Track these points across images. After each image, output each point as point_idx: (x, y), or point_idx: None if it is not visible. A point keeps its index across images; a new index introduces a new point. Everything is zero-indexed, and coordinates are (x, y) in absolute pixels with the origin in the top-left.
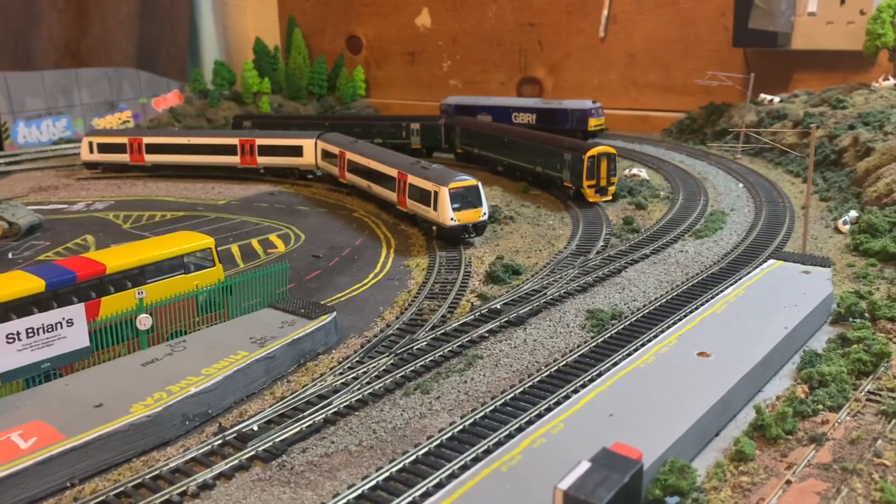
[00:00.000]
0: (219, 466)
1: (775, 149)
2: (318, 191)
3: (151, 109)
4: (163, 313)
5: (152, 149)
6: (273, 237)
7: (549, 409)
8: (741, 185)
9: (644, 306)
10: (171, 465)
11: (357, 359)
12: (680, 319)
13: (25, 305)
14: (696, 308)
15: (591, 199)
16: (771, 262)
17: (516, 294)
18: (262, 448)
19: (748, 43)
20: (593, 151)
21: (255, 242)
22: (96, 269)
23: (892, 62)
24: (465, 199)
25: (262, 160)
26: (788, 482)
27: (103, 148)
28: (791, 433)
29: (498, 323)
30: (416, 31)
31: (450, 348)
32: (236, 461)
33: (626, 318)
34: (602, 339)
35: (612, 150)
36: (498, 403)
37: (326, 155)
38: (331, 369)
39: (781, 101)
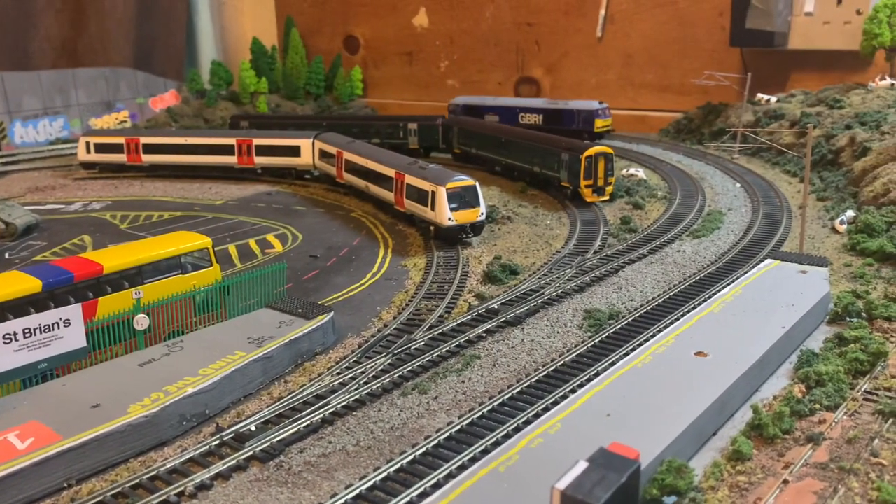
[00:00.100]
0: (216, 467)
1: (772, 148)
2: (316, 191)
3: (149, 109)
4: (160, 313)
5: (149, 149)
6: (270, 237)
7: (546, 409)
8: (738, 184)
9: (641, 306)
10: (169, 465)
11: (355, 359)
12: (677, 319)
13: (22, 306)
14: (694, 308)
15: (588, 199)
16: (768, 261)
17: (514, 294)
18: (260, 448)
19: (745, 43)
20: (591, 151)
21: (252, 242)
22: (93, 269)
23: (889, 62)
24: (463, 199)
25: (260, 160)
26: (785, 482)
27: (100, 148)
28: (788, 433)
29: (495, 323)
30: (414, 30)
31: (447, 348)
32: (234, 461)
33: (623, 317)
34: (599, 338)
35: (610, 150)
36: (495, 403)
37: (324, 155)
38: (328, 369)
39: (778, 100)
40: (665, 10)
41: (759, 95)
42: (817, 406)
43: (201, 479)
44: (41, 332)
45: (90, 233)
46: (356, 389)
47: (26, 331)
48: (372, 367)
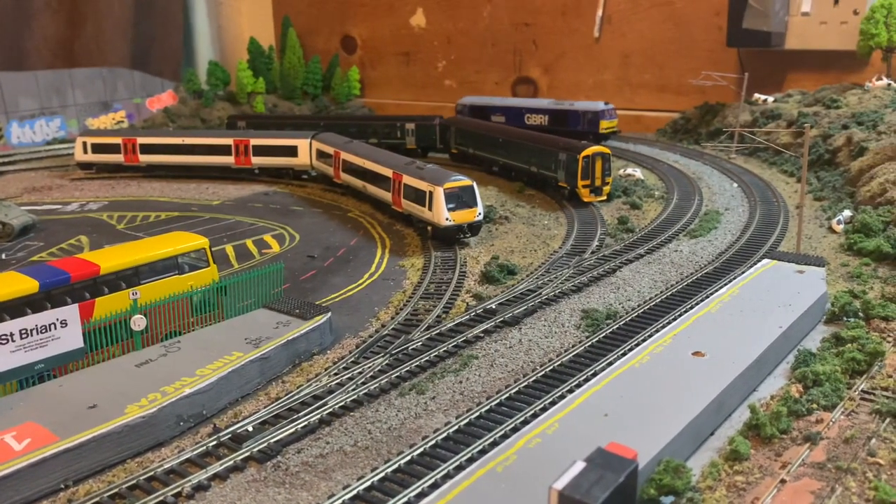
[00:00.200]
0: (213, 467)
1: (769, 148)
2: (313, 191)
3: (146, 110)
4: (157, 314)
5: (146, 149)
6: (268, 237)
7: (544, 409)
8: (735, 184)
9: (639, 306)
10: (166, 466)
11: (352, 359)
12: (675, 319)
13: (19, 306)
14: (691, 308)
15: (585, 199)
16: (765, 261)
17: (511, 294)
18: (257, 449)
19: (742, 43)
20: (588, 151)
21: (249, 243)
22: (90, 269)
23: (886, 62)
24: (461, 199)
25: (257, 160)
26: (783, 481)
27: (97, 148)
28: (785, 432)
29: (493, 323)
30: (411, 30)
31: (445, 348)
32: (231, 462)
33: (620, 317)
34: (597, 338)
35: (607, 150)
36: (493, 403)
37: (321, 155)
38: (326, 370)
39: (775, 100)
40: (662, 11)
41: (756, 95)
42: (814, 406)
43: (198, 479)
44: (38, 333)
45: (87, 233)
46: (354, 390)
47: (23, 331)
48: (369, 367)
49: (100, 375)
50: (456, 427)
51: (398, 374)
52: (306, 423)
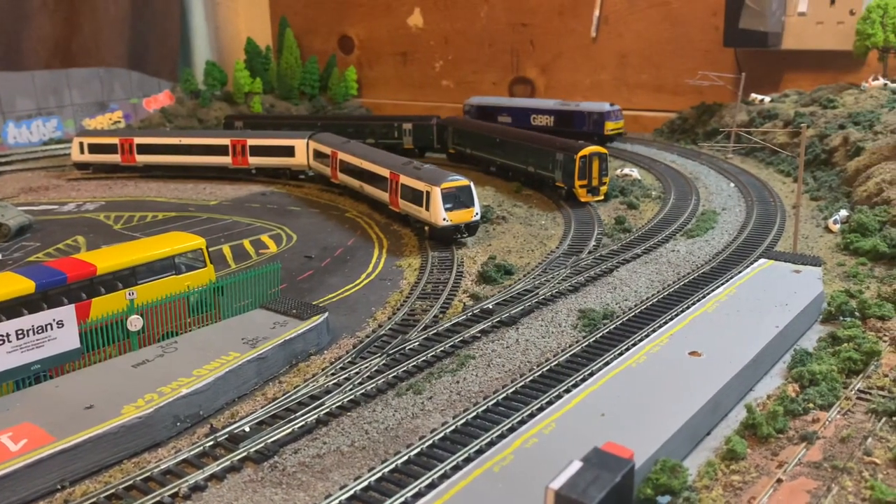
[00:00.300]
0: (210, 468)
1: (766, 148)
2: (310, 191)
3: (142, 110)
4: (154, 314)
5: (143, 149)
6: (265, 238)
7: (541, 409)
8: (732, 184)
9: (636, 306)
10: (163, 466)
11: (349, 359)
12: (671, 319)
13: (15, 307)
14: (688, 307)
15: (582, 199)
16: (762, 261)
17: (508, 294)
18: (254, 449)
19: (739, 43)
20: (585, 151)
21: (246, 243)
22: (87, 270)
23: (882, 62)
24: (458, 199)
25: (254, 160)
26: (779, 481)
27: (94, 148)
28: (782, 432)
29: (490, 323)
30: (409, 31)
31: (442, 348)
32: (228, 462)
33: (617, 317)
34: (594, 338)
35: (604, 150)
36: (490, 403)
37: (318, 155)
38: (323, 370)
39: (772, 100)
40: (659, 11)
41: (753, 95)
42: (811, 405)
43: (195, 480)
44: (34, 334)
45: (84, 233)
46: (351, 390)
47: (19, 332)
48: (366, 367)
49: (96, 376)
50: (453, 427)
51: (395, 374)
52: (303, 423)
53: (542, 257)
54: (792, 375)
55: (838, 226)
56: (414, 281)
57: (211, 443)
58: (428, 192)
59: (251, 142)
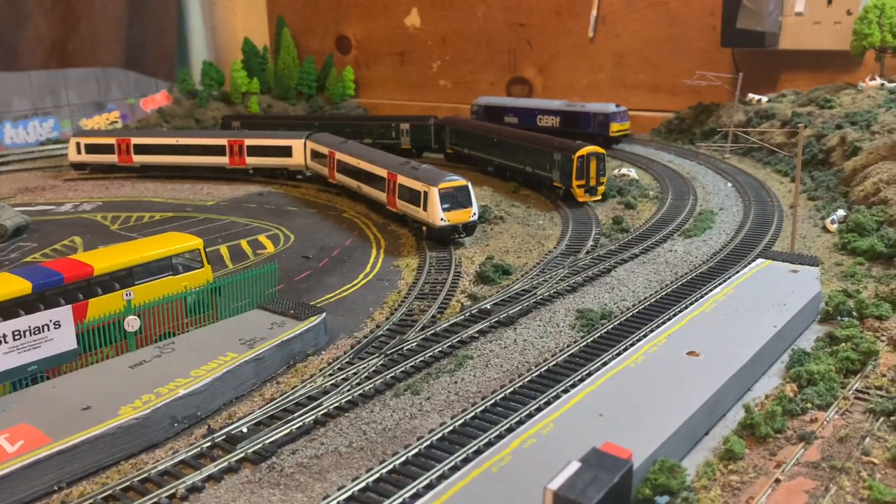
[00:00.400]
0: (208, 469)
1: (763, 148)
2: (308, 191)
3: (140, 110)
4: (151, 315)
5: (140, 149)
6: (262, 238)
7: (539, 410)
8: (730, 184)
9: (633, 306)
10: (160, 467)
11: (347, 360)
12: (669, 319)
13: (12, 307)
14: (686, 307)
15: (580, 199)
16: (759, 261)
17: (506, 294)
18: (252, 450)
19: (736, 43)
20: (583, 151)
21: (244, 243)
22: (84, 270)
23: (879, 62)
24: (455, 199)
25: (251, 161)
26: (777, 481)
27: (91, 149)
28: (780, 432)
29: (488, 323)
30: (406, 31)
31: (440, 349)
32: (225, 463)
33: (615, 317)
34: (592, 338)
35: (602, 150)
36: (488, 404)
37: (316, 155)
38: (320, 370)
39: (769, 100)
40: (656, 11)
41: (751, 95)
42: (809, 405)
43: (193, 481)
44: (31, 335)
45: (81, 234)
46: (348, 391)
47: (16, 333)
48: (364, 368)
49: (93, 377)
50: (451, 427)
51: (393, 374)
52: (301, 423)
53: (539, 257)
54: (790, 375)
55: (836, 225)
56: (412, 281)
57: (208, 444)
58: (425, 193)
59: (248, 142)
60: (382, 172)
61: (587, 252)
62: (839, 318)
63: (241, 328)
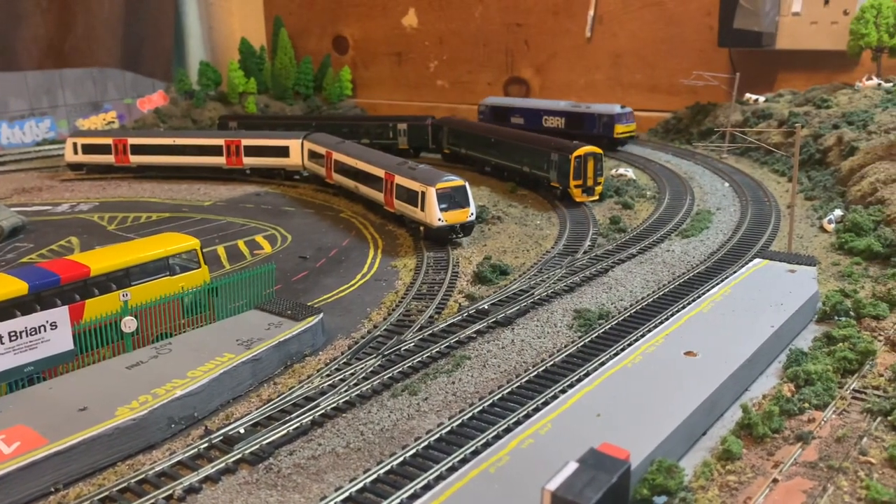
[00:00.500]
0: (205, 470)
1: (761, 148)
2: (305, 191)
3: (136, 110)
4: (148, 316)
5: (137, 150)
6: (259, 238)
7: (536, 410)
8: (727, 184)
9: (631, 306)
10: (157, 468)
11: (344, 360)
12: (667, 319)
13: (8, 308)
14: (683, 307)
15: (578, 199)
16: (757, 261)
17: (504, 294)
18: (249, 451)
19: (733, 43)
20: (580, 151)
21: (241, 244)
22: (80, 271)
23: (875, 62)
24: (453, 199)
25: (248, 161)
26: (775, 481)
27: (88, 149)
28: (778, 432)
29: (486, 323)
30: (403, 31)
31: (437, 349)
32: (223, 464)
33: (613, 317)
34: (589, 338)
35: (599, 150)
36: (486, 404)
37: (313, 155)
38: (318, 371)
39: (766, 100)
40: (653, 11)
41: (748, 95)
42: (806, 405)
43: (190, 482)
44: (27, 335)
45: (77, 234)
46: (346, 391)
47: (12, 334)
48: (362, 368)
49: (90, 378)
50: (448, 428)
51: (390, 375)
52: (298, 424)
53: (537, 257)
54: (787, 375)
55: (833, 225)
56: (409, 281)
57: (205, 444)
58: (423, 193)
59: (245, 142)
60: (380, 172)
61: (585, 252)
62: (836, 317)
63: (239, 329)
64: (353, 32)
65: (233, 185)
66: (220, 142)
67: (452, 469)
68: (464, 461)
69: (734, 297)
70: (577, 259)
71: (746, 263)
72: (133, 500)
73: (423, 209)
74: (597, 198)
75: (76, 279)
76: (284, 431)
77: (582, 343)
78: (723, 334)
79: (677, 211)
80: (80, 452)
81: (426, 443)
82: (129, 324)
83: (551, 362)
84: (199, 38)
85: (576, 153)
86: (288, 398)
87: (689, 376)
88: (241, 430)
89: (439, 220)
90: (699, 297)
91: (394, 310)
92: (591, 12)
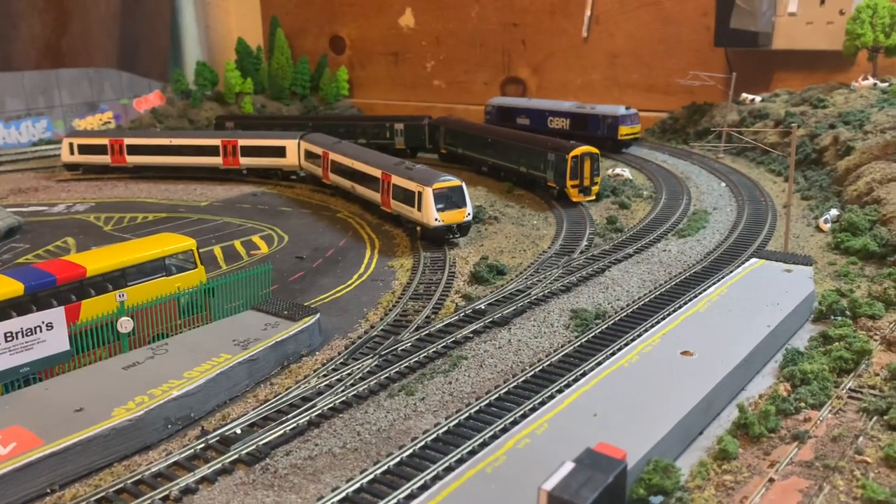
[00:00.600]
0: (201, 470)
1: (757, 148)
2: (302, 192)
3: (133, 110)
4: (144, 316)
5: (134, 150)
6: (256, 238)
7: (533, 410)
8: (723, 184)
9: (628, 305)
10: (154, 469)
11: (341, 360)
12: (663, 318)
13: (4, 309)
14: (680, 307)
15: (574, 199)
16: (753, 260)
17: (501, 294)
18: (246, 451)
19: (730, 43)
20: (576, 151)
21: (237, 244)
22: (76, 271)
23: (871, 62)
24: (450, 199)
25: (245, 161)
26: (771, 480)
27: (84, 149)
28: (774, 431)
29: (482, 323)
30: (400, 31)
31: (434, 349)
32: (219, 465)
33: (609, 317)
34: (586, 338)
35: (595, 150)
36: (482, 404)
37: (310, 155)
38: (314, 371)
39: (763, 100)
40: (649, 11)
41: (744, 95)
42: (802, 404)
43: (186, 482)
44: (23, 336)
45: (74, 235)
46: (342, 391)
47: (8, 334)
48: (358, 368)
49: (86, 378)
50: (445, 428)
51: (387, 375)
52: (295, 425)
53: (534, 257)
54: (783, 375)
55: (829, 225)
56: (406, 281)
57: (202, 445)
58: (420, 193)
59: (242, 142)
60: (376, 173)
61: (581, 252)
62: (832, 317)
63: (235, 329)
64: (350, 32)
65: (229, 186)
66: (216, 142)
67: (449, 469)
68: (461, 461)
69: (730, 296)
70: (573, 259)
71: (743, 263)
72: (129, 501)
73: (419, 209)
74: (593, 198)
75: (72, 280)
76: (281, 432)
77: (579, 343)
78: (719, 334)
79: (674, 211)
80: (76, 453)
81: (423, 443)
82: (125, 324)
83: (548, 362)
84: (196, 37)
85: (572, 153)
86: (285, 398)
87: (686, 376)
88: (238, 431)
89: (436, 220)
90: (696, 296)
91: (390, 310)
92: (588, 12)
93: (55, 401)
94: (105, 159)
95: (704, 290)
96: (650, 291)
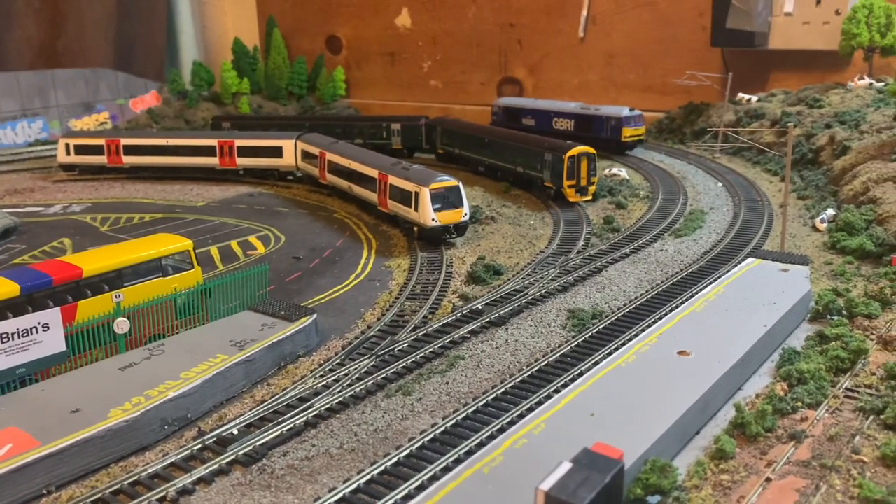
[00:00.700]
0: (198, 471)
1: (753, 148)
2: (299, 192)
3: (129, 110)
4: (141, 317)
5: (130, 150)
6: (253, 239)
7: (530, 410)
8: (720, 183)
9: (624, 305)
10: (150, 470)
11: (338, 361)
12: (660, 318)
13: (0, 310)
14: (676, 307)
15: (571, 199)
16: (750, 260)
17: (498, 294)
18: (242, 452)
19: (726, 43)
20: (573, 151)
21: (234, 244)
22: (72, 272)
23: (867, 62)
24: (447, 199)
25: (242, 161)
26: (768, 480)
27: (80, 150)
28: (771, 431)
29: (479, 323)
30: (396, 31)
31: (431, 349)
32: (216, 466)
33: (606, 317)
34: (583, 338)
35: (592, 150)
36: (479, 404)
37: (306, 156)
38: (311, 372)
39: (759, 100)
40: (646, 11)
41: (740, 95)
42: (799, 404)
43: (183, 483)
44: (19, 337)
45: (70, 235)
46: (339, 392)
47: (4, 335)
48: (355, 369)
49: (83, 379)
50: (442, 428)
51: (384, 375)
52: (292, 425)
53: (531, 257)
54: (780, 374)
55: (825, 224)
56: (403, 282)
57: (199, 446)
58: (417, 193)
59: (239, 142)
60: (373, 173)
61: (578, 252)
62: (829, 316)
63: (232, 330)
64: (347, 32)
65: (226, 186)
66: (213, 142)
67: (446, 469)
68: (458, 461)
69: (727, 296)
70: (570, 259)
71: (739, 263)
72: (126, 502)
73: (416, 209)
74: (590, 198)
75: (68, 280)
76: (278, 432)
77: (575, 343)
78: (716, 334)
79: (670, 210)
80: (72, 454)
81: (420, 443)
82: (121, 325)
83: (545, 362)
84: (192, 37)
85: (569, 153)
86: (281, 399)
87: (683, 376)
88: (235, 432)
89: (433, 220)
90: (692, 296)
91: (388, 310)
92: (585, 12)
93: (51, 402)
94: (101, 160)
95: (701, 289)
96: (647, 291)
